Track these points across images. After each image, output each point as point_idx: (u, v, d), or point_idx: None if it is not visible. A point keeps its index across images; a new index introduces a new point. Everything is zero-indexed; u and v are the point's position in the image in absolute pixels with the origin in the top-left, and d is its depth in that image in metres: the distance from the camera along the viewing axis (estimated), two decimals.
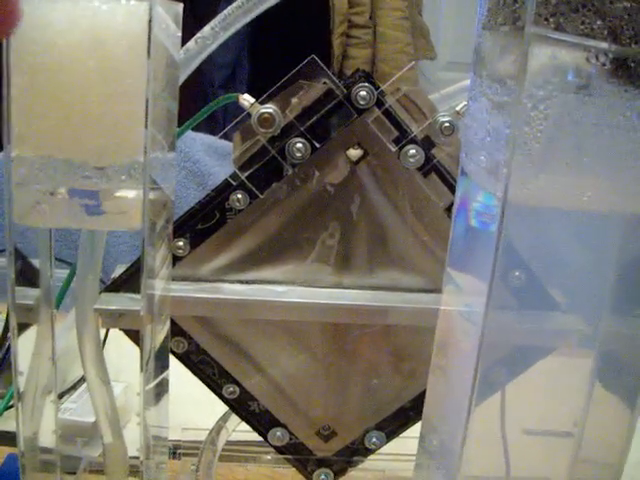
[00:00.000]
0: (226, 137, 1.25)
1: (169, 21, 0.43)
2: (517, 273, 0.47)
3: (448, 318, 0.47)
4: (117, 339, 0.56)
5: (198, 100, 1.85)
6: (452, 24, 2.36)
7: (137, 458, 0.49)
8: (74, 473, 0.61)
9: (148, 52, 0.38)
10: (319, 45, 1.89)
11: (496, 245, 0.37)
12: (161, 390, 0.51)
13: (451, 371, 0.47)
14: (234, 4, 0.49)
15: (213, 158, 1.23)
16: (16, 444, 0.49)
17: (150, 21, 0.38)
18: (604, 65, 0.35)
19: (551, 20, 0.34)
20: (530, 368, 0.46)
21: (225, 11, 0.49)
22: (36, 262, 0.48)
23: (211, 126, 1.54)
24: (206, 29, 0.49)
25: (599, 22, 0.34)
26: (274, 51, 1.78)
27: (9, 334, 0.64)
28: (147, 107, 0.39)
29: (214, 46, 0.50)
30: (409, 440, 0.55)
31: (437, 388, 0.48)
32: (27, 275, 0.46)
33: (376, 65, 1.98)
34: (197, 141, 1.23)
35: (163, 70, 0.43)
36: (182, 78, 0.50)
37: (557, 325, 0.48)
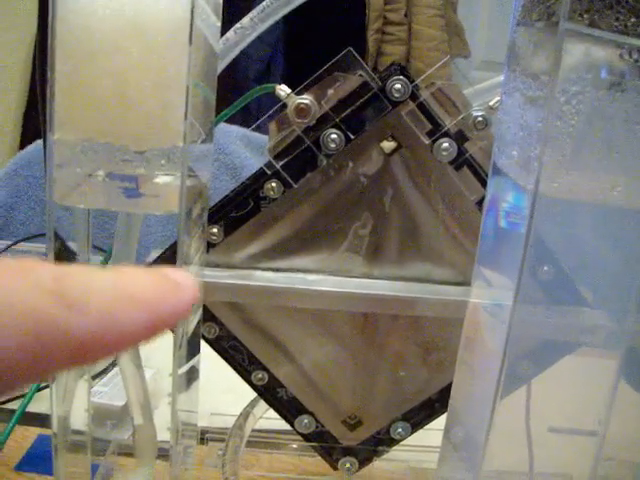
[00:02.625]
0: (259, 129, 1.25)
1: (209, 11, 0.44)
2: (545, 268, 0.47)
3: (476, 312, 0.47)
4: None
5: (232, 93, 1.85)
6: (487, 23, 2.35)
7: (165, 442, 0.50)
8: (103, 455, 0.62)
9: (190, 40, 0.39)
10: (354, 41, 1.88)
11: (526, 238, 0.38)
12: (192, 376, 0.52)
13: (477, 364, 0.47)
14: None
15: (247, 150, 1.23)
16: (46, 425, 0.49)
17: (192, 9, 0.39)
18: (637, 62, 0.35)
19: (585, 16, 0.34)
20: (556, 364, 0.46)
21: (264, 2, 0.50)
22: (72, 246, 0.49)
23: (245, 119, 1.55)
24: (245, 20, 0.50)
25: (633, 19, 0.34)
26: (308, 47, 1.78)
27: None
28: (187, 93, 0.40)
29: (252, 37, 0.51)
30: (433, 432, 0.55)
31: (463, 381, 0.49)
32: (64, 258, 0.47)
33: (410, 62, 1.98)
34: (231, 133, 1.23)
35: (202, 59, 0.43)
36: (219, 69, 0.51)
37: (584, 321, 0.47)
